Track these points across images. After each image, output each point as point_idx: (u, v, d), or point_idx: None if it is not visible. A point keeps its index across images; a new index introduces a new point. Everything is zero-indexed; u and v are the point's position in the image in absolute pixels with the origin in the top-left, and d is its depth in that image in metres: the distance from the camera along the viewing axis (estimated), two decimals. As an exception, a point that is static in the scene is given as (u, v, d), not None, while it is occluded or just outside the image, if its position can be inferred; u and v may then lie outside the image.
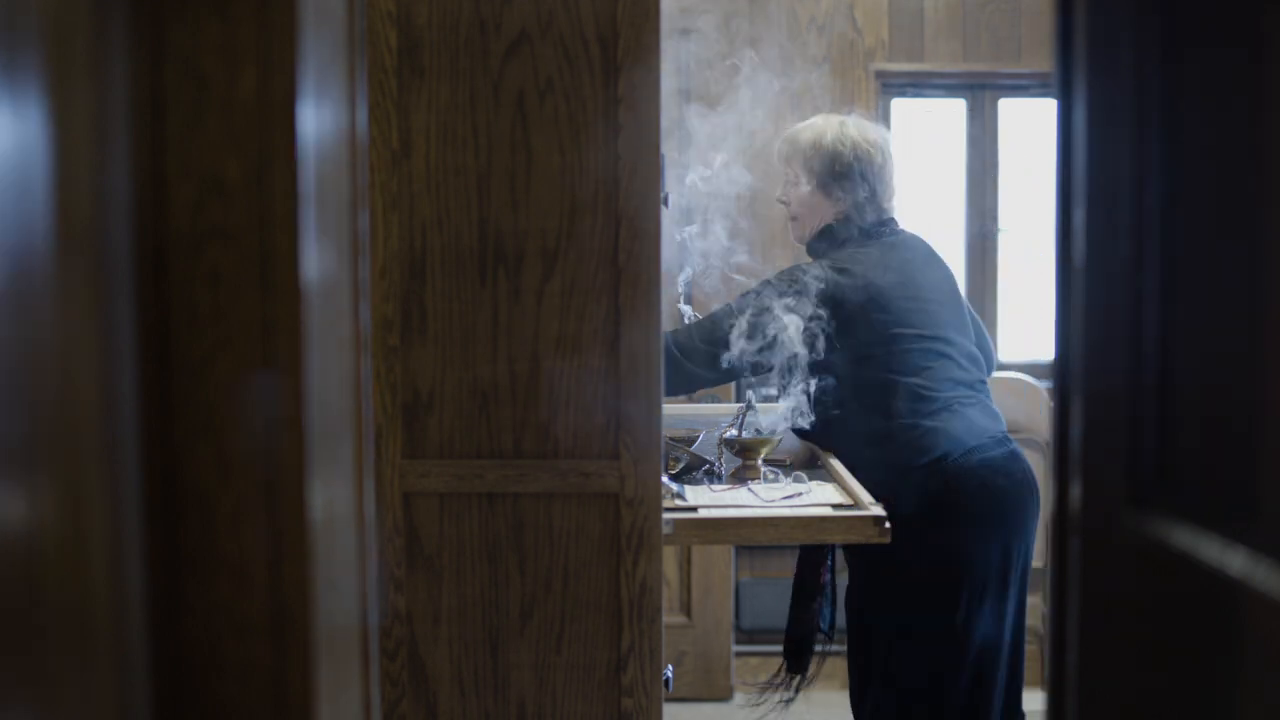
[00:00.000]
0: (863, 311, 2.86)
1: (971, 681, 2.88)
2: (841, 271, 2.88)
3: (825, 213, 3.00)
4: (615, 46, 2.22)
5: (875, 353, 2.87)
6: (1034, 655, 4.49)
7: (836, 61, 4.95)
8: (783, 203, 3.08)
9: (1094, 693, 1.08)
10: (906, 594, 2.88)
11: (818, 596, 3.00)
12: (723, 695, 4.62)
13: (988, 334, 3.20)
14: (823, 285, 2.85)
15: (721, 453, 2.98)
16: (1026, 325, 5.12)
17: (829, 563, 3.01)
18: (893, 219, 3.02)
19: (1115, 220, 1.03)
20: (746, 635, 4.94)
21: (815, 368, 2.87)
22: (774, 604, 4.94)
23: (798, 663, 3.05)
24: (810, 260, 3.06)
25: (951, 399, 2.90)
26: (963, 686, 2.87)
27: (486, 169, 2.24)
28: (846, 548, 2.93)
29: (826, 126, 3.01)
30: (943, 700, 2.87)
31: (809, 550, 3.01)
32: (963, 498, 2.84)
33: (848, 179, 2.96)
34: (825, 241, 2.99)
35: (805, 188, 3.01)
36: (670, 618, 4.56)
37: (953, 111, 5.14)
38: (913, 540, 2.77)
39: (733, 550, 4.71)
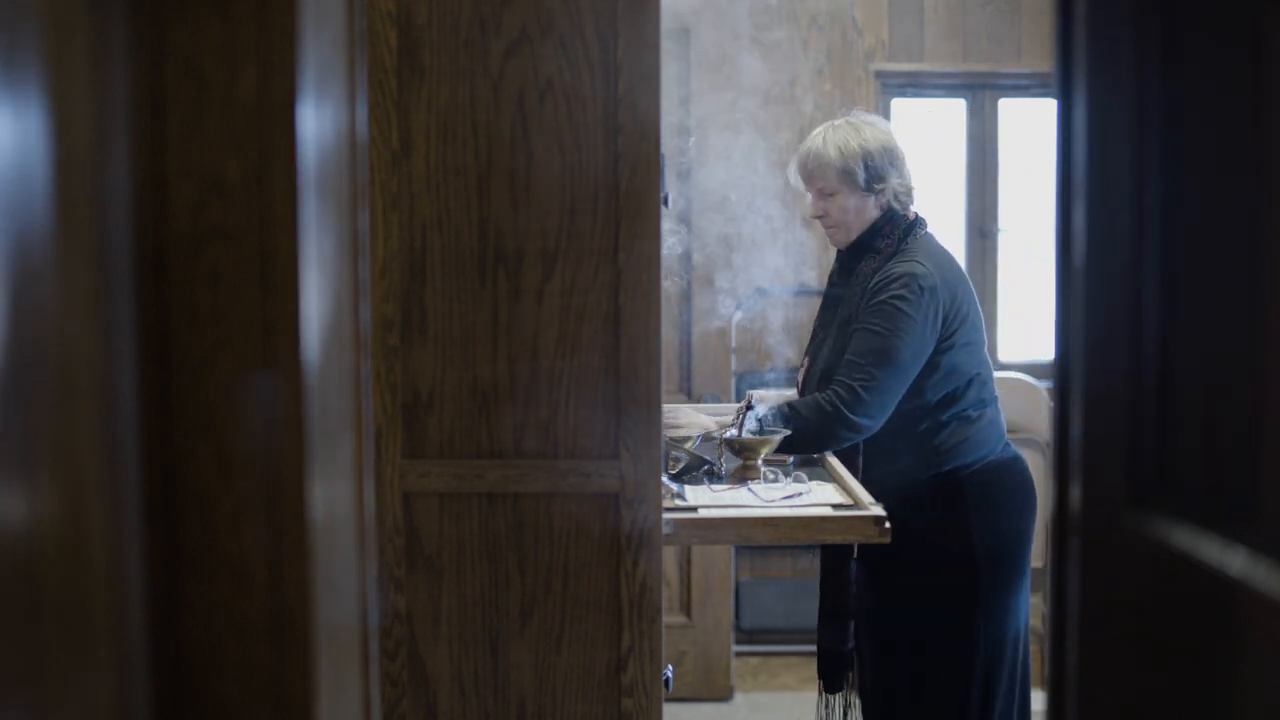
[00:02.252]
0: (953, 300, 2.91)
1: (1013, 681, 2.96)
2: (936, 266, 2.93)
3: (868, 212, 3.01)
4: (615, 46, 2.22)
5: (960, 343, 2.93)
6: (1034, 655, 4.49)
7: (836, 61, 4.94)
8: (818, 218, 3.09)
9: (1094, 693, 1.08)
10: (953, 594, 2.89)
11: (849, 616, 2.98)
12: (723, 695, 4.62)
13: None
14: (935, 282, 2.89)
15: (721, 453, 2.98)
16: (1026, 325, 5.13)
17: (852, 577, 2.99)
18: (920, 216, 3.07)
19: (1115, 220, 1.03)
20: (746, 635, 4.94)
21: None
22: (774, 604, 4.94)
23: (834, 681, 3.05)
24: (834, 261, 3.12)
25: (995, 395, 3.05)
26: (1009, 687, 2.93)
27: (486, 169, 2.24)
28: (867, 557, 2.93)
29: (840, 132, 3.03)
30: (997, 703, 2.90)
31: (832, 565, 2.99)
32: (1008, 492, 2.95)
33: (881, 173, 2.99)
34: (876, 238, 3.01)
35: (843, 195, 3.01)
36: (670, 618, 4.56)
37: (953, 111, 5.14)
38: (960, 537, 2.87)
39: (733, 550, 4.71)
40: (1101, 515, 1.05)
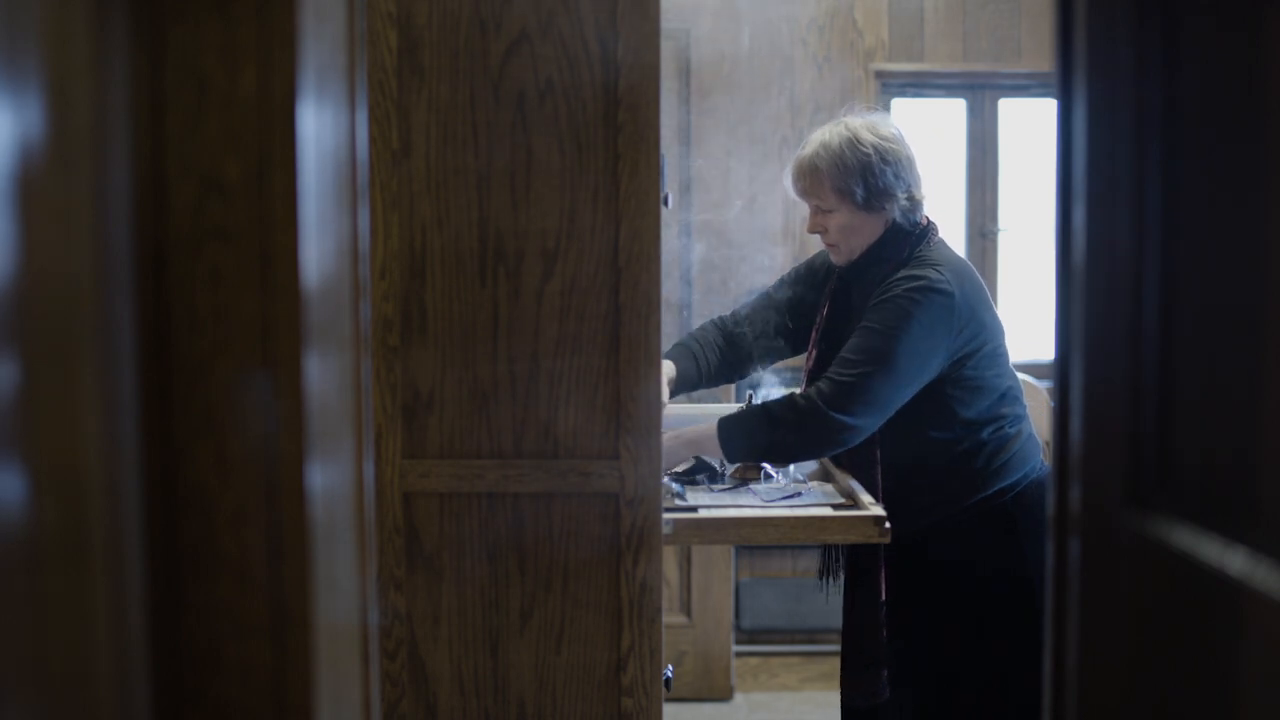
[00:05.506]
0: (972, 312, 2.67)
1: None
2: (954, 273, 2.67)
3: (871, 229, 2.72)
4: (615, 46, 2.22)
5: (986, 353, 2.69)
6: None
7: (836, 61, 4.95)
8: (816, 232, 2.77)
9: (1094, 693, 1.08)
10: (1015, 629, 2.63)
11: (882, 664, 2.66)
12: (723, 695, 4.62)
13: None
14: (952, 289, 2.63)
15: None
16: (1026, 325, 5.13)
17: (883, 616, 2.67)
18: (932, 222, 2.79)
19: (1115, 220, 1.03)
20: (746, 635, 4.94)
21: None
22: (774, 604, 4.94)
23: None
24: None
25: (1026, 408, 2.79)
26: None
27: (486, 169, 2.24)
28: (905, 597, 2.68)
29: (839, 139, 2.70)
30: None
31: (860, 610, 2.68)
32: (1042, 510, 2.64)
33: (884, 188, 2.69)
34: (882, 254, 2.73)
35: (843, 211, 2.71)
36: (670, 618, 4.56)
37: (953, 111, 5.14)
38: (1015, 567, 2.63)
39: (733, 550, 4.71)
40: (1101, 515, 1.05)
